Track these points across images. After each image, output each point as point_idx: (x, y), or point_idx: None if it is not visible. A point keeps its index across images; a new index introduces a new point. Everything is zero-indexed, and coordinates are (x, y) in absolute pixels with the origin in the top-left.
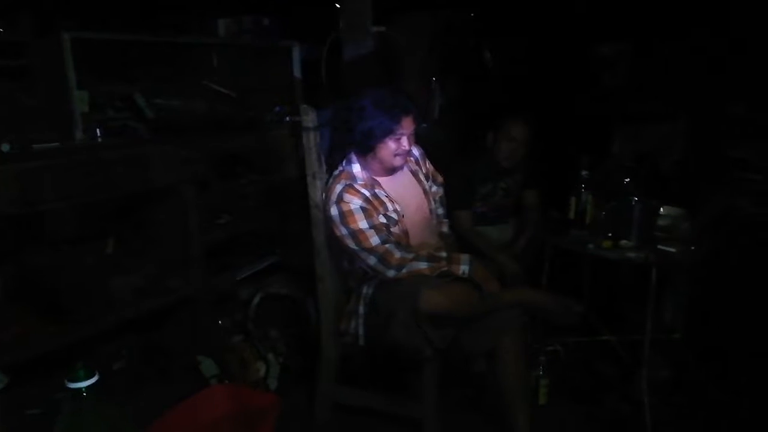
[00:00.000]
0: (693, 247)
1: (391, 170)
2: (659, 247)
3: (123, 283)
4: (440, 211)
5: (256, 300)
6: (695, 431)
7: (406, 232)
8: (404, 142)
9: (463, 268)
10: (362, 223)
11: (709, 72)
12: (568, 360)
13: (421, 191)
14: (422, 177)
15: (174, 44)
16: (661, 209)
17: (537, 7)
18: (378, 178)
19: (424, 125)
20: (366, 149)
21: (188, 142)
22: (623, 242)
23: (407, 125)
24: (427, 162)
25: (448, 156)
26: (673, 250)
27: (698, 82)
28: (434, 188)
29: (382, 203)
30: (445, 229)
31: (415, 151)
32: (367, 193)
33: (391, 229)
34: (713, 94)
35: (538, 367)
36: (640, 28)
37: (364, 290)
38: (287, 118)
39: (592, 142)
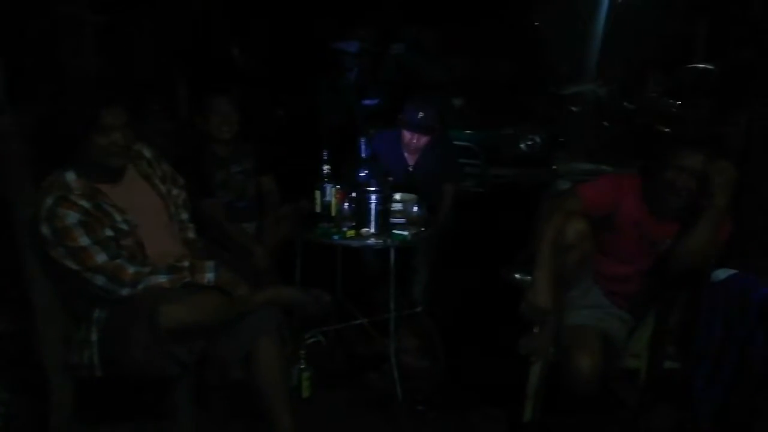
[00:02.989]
0: (423, 229)
1: (112, 174)
2: (395, 231)
3: None
4: (184, 216)
5: None
6: (441, 390)
7: (140, 244)
8: (115, 137)
9: (208, 276)
10: (83, 240)
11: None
12: (330, 348)
13: (157, 196)
14: (157, 180)
15: None
16: (396, 196)
17: (281, 6)
18: (99, 186)
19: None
20: (69, 146)
21: None
22: (364, 230)
23: (114, 118)
24: (164, 163)
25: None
26: (406, 233)
27: (431, 78)
28: (175, 191)
29: (108, 214)
30: (190, 234)
31: (147, 152)
32: (87, 205)
33: (122, 242)
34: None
35: (300, 361)
36: (379, 25)
37: (96, 314)
38: None
39: (337, 137)
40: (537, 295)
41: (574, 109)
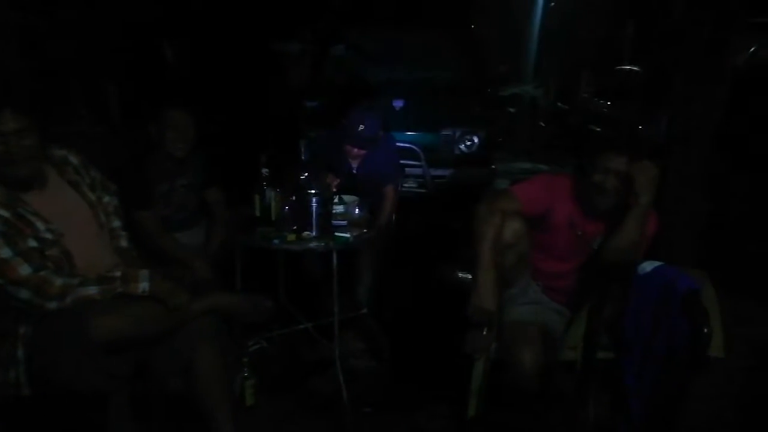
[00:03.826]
0: (365, 230)
1: (28, 182)
2: (337, 234)
3: None
4: (116, 224)
5: None
6: (388, 391)
7: (68, 254)
8: (10, 144)
9: (142, 286)
10: (4, 252)
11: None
12: (275, 354)
13: (85, 204)
14: (86, 188)
15: None
16: (339, 198)
17: (218, 6)
18: (21, 194)
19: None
20: None
21: None
22: (306, 234)
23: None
24: (92, 169)
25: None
26: (348, 235)
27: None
28: (106, 199)
29: (30, 224)
30: (123, 243)
31: (73, 159)
32: (6, 214)
33: (47, 253)
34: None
35: (242, 369)
36: (320, 27)
37: (22, 330)
38: None
39: (277, 139)
40: (483, 298)
41: (511, 110)
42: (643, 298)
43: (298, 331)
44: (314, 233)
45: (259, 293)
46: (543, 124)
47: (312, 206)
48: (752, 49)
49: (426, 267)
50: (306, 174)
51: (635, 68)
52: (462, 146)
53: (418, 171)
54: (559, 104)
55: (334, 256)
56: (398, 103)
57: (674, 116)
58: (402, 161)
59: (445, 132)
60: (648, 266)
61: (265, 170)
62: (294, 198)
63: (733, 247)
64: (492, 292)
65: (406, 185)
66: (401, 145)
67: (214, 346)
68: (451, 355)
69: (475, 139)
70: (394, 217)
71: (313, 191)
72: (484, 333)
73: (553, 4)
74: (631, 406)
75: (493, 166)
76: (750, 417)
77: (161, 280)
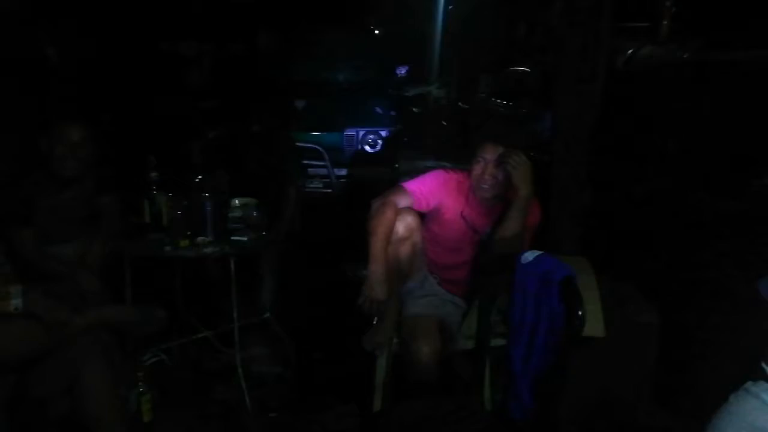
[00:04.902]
0: (264, 233)
1: None
2: (233, 238)
3: None
4: None
5: None
6: (293, 394)
7: None
8: None
9: (15, 303)
10: None
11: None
12: (174, 366)
13: None
14: None
15: None
16: (235, 201)
17: (109, 6)
18: None
19: None
20: None
21: None
22: (200, 239)
23: None
24: None
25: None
26: (245, 238)
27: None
28: None
29: None
30: None
31: None
32: None
33: None
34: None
35: (138, 384)
36: (217, 29)
37: None
38: None
39: (169, 142)
40: (373, 287)
41: (415, 110)
42: (526, 285)
43: (198, 340)
44: (209, 238)
45: (153, 303)
46: (445, 123)
47: (206, 209)
48: (630, 51)
49: (331, 267)
50: (200, 176)
51: (527, 69)
52: (366, 146)
53: (323, 171)
54: (461, 104)
55: (232, 260)
56: (300, 103)
57: (555, 115)
58: (306, 161)
59: (348, 132)
60: (530, 255)
61: (154, 174)
62: (187, 202)
63: (614, 235)
64: (383, 282)
65: (311, 185)
66: (305, 145)
67: (101, 362)
68: (357, 353)
69: (379, 139)
70: (298, 218)
71: (207, 194)
72: (382, 328)
73: (451, 7)
74: (520, 389)
75: (398, 165)
76: (630, 389)
77: (37, 295)
